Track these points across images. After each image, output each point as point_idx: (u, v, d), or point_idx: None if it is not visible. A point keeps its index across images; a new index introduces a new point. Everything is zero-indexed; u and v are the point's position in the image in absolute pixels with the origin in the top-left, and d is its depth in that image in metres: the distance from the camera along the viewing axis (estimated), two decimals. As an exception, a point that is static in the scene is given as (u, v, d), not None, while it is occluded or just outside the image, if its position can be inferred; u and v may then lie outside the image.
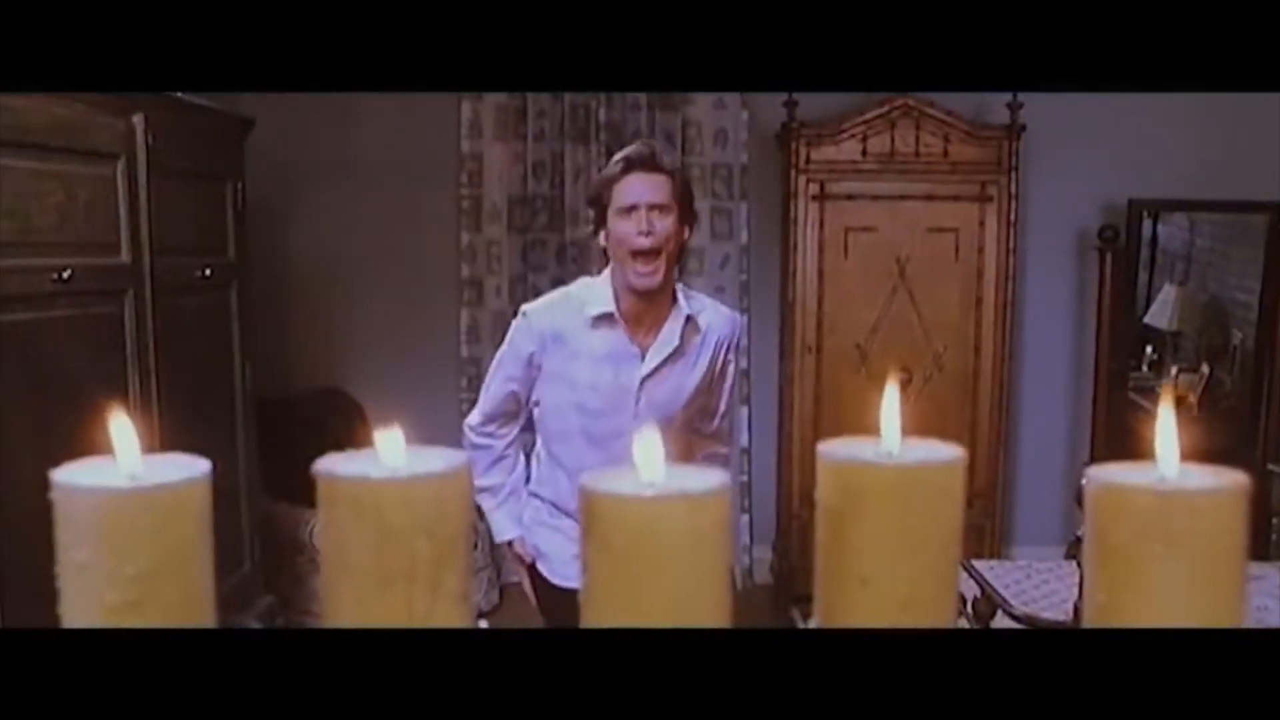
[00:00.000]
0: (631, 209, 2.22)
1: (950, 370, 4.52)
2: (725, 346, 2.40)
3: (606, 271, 2.34)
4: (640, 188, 2.23)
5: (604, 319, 2.29)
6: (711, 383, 2.41)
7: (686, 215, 2.29)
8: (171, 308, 3.19)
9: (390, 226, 4.81)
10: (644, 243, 2.21)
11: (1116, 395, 4.66)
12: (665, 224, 2.22)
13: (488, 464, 2.46)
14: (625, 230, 2.22)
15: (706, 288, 4.69)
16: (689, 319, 2.31)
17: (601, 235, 2.30)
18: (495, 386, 2.43)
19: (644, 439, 0.55)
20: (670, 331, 2.31)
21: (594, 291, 2.33)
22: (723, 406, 2.49)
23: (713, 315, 2.39)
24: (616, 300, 2.29)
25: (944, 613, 0.57)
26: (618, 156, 2.32)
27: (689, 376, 2.35)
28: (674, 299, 2.33)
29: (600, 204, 2.28)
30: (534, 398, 2.39)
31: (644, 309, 2.30)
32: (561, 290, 2.47)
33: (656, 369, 2.30)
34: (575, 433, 2.34)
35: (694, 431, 2.46)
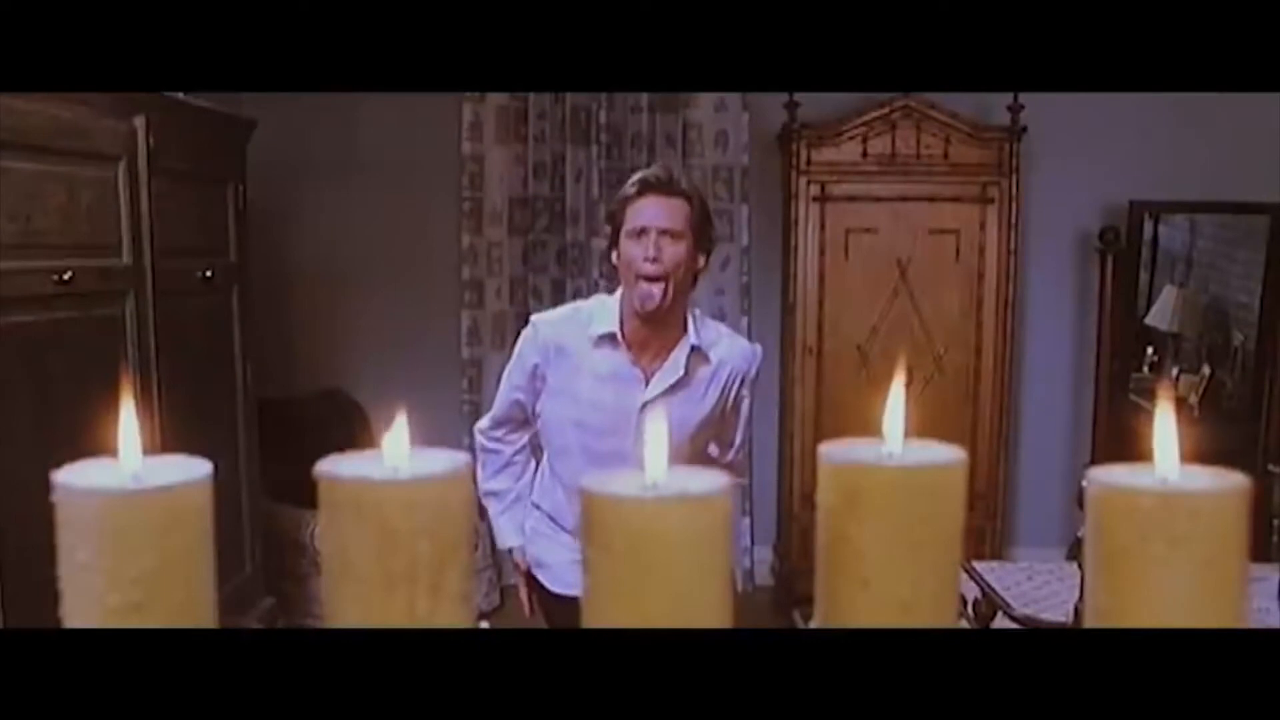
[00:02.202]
0: (642, 232, 2.18)
1: (951, 372, 4.52)
2: (739, 380, 2.32)
3: (620, 291, 2.30)
4: (653, 212, 2.19)
5: (607, 339, 2.25)
6: (723, 415, 2.34)
7: (701, 242, 2.23)
8: (173, 309, 3.19)
9: (391, 228, 4.81)
10: (649, 269, 2.16)
11: (1117, 397, 4.66)
12: (675, 250, 2.17)
13: (495, 469, 2.45)
14: (633, 253, 2.18)
15: (707, 290, 4.70)
16: (695, 349, 2.26)
17: (614, 255, 2.27)
18: (503, 393, 2.41)
19: (654, 428, 0.55)
20: (676, 360, 2.25)
21: (604, 310, 2.29)
22: (738, 439, 2.44)
23: (727, 348, 2.32)
24: (622, 322, 2.25)
25: (945, 614, 0.57)
26: (635, 177, 2.26)
27: (696, 408, 2.28)
28: (685, 328, 2.27)
29: (615, 223, 2.25)
30: (537, 410, 2.36)
31: (650, 334, 2.25)
32: (574, 305, 2.45)
33: (659, 396, 2.24)
34: (575, 449, 2.30)
35: (708, 462, 2.40)
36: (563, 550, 2.39)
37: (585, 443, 2.28)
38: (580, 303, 2.46)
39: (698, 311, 2.35)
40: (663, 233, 2.17)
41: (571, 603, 2.34)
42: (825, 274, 4.50)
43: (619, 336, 2.24)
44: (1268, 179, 4.45)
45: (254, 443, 3.87)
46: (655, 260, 2.16)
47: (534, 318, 2.39)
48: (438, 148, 4.71)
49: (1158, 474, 0.54)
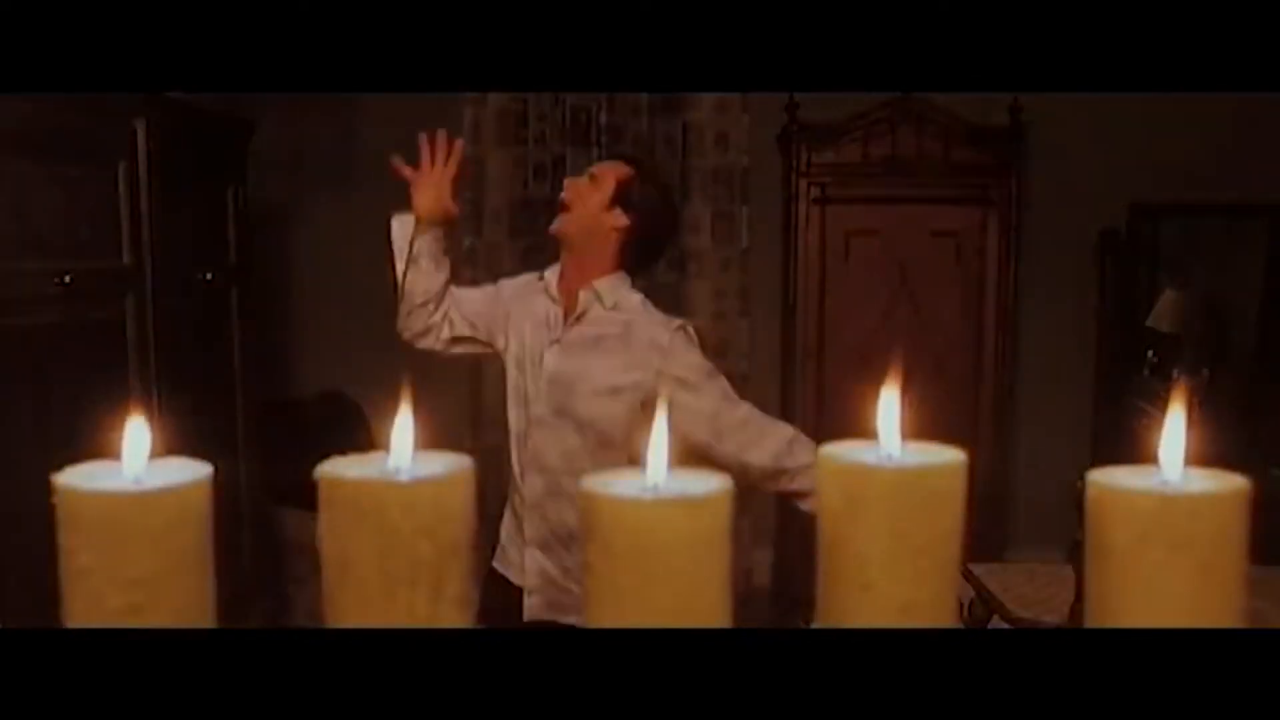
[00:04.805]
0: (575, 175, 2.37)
1: (951, 373, 4.52)
2: (659, 352, 2.19)
3: None
4: (597, 165, 2.37)
5: (545, 282, 2.35)
6: (669, 399, 2.19)
7: (628, 203, 2.25)
8: (173, 311, 3.19)
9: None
10: (561, 194, 2.32)
11: (1118, 399, 4.66)
12: (590, 188, 2.28)
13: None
14: None
15: (707, 291, 4.70)
16: (596, 294, 2.24)
17: None
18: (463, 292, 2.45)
19: (657, 430, 0.55)
20: (580, 301, 2.26)
21: None
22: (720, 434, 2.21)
23: (644, 315, 2.26)
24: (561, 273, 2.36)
25: (945, 616, 0.57)
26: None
27: (606, 361, 2.20)
28: (599, 279, 2.27)
29: None
30: (502, 352, 2.38)
31: (570, 274, 2.30)
32: None
33: (561, 339, 2.25)
34: (509, 392, 2.36)
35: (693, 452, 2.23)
36: (509, 520, 2.39)
37: (516, 383, 2.33)
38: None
39: (630, 289, 2.30)
40: (591, 175, 2.32)
41: (499, 580, 2.34)
42: (826, 276, 4.50)
43: (552, 279, 2.33)
44: (1268, 179, 4.45)
45: (254, 445, 3.87)
46: (567, 186, 2.32)
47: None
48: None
49: (1157, 476, 0.54)
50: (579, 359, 2.24)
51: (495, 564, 2.41)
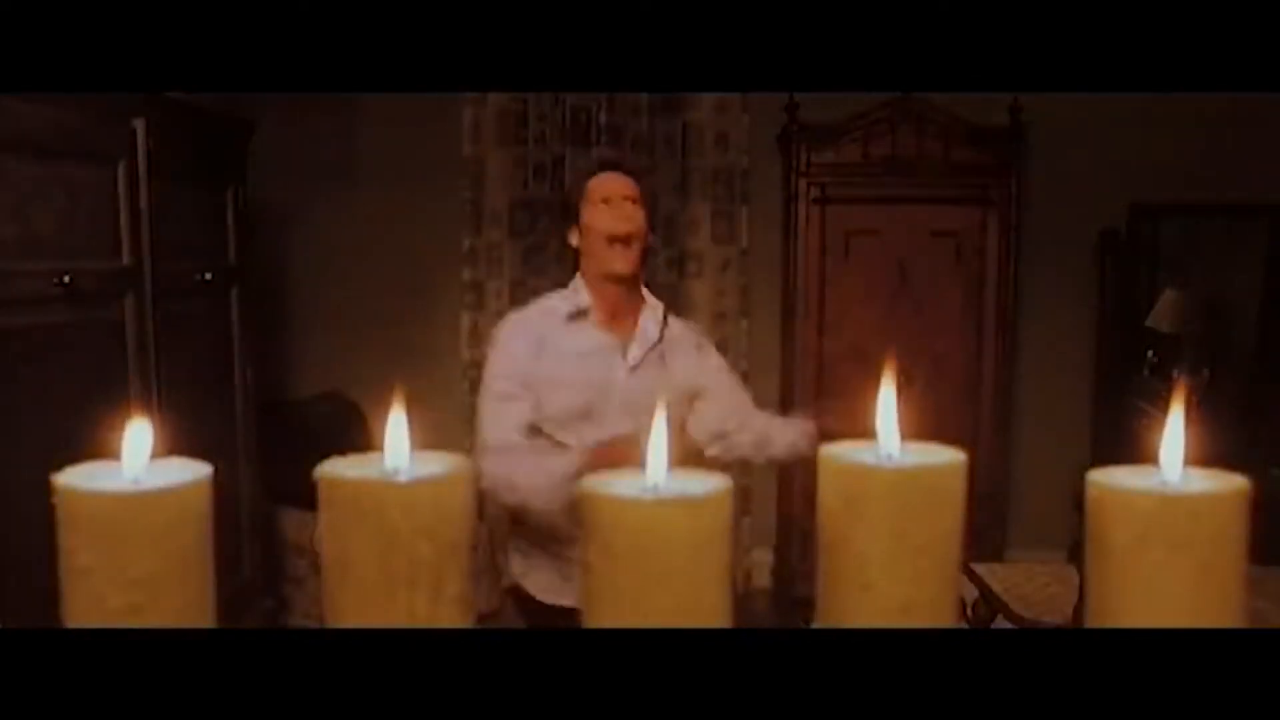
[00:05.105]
0: (607, 199, 2.30)
1: (951, 373, 4.51)
2: (695, 347, 2.44)
3: (578, 276, 2.37)
4: (616, 183, 2.33)
5: (579, 315, 2.31)
6: (707, 383, 2.42)
7: (651, 217, 2.38)
8: (173, 311, 3.19)
9: (392, 230, 4.81)
10: (624, 228, 2.28)
11: (1118, 399, 4.66)
12: (639, 215, 2.31)
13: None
14: (603, 219, 2.29)
15: (707, 291, 4.70)
16: (662, 314, 2.38)
17: (574, 234, 2.35)
18: (500, 396, 2.31)
19: (656, 430, 0.55)
20: (646, 326, 2.35)
21: (570, 292, 2.36)
22: (748, 399, 2.49)
23: (676, 319, 2.46)
24: (592, 296, 2.33)
25: (945, 616, 0.57)
26: (593, 156, 2.45)
27: (672, 371, 2.36)
28: (644, 298, 2.39)
29: (576, 200, 2.35)
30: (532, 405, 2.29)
31: (617, 304, 2.32)
32: (537, 301, 2.43)
33: (640, 362, 2.32)
34: (569, 434, 2.25)
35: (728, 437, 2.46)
36: (547, 558, 2.33)
37: (578, 427, 2.25)
38: (543, 298, 2.44)
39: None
40: (627, 198, 2.31)
41: (558, 611, 2.31)
42: (826, 276, 4.50)
43: (590, 311, 2.32)
44: (1268, 179, 4.45)
45: (253, 445, 3.87)
46: (629, 219, 2.30)
47: (509, 315, 2.45)
48: (438, 149, 4.71)
49: (1157, 476, 0.54)
50: (650, 374, 2.33)
51: (542, 597, 2.32)
